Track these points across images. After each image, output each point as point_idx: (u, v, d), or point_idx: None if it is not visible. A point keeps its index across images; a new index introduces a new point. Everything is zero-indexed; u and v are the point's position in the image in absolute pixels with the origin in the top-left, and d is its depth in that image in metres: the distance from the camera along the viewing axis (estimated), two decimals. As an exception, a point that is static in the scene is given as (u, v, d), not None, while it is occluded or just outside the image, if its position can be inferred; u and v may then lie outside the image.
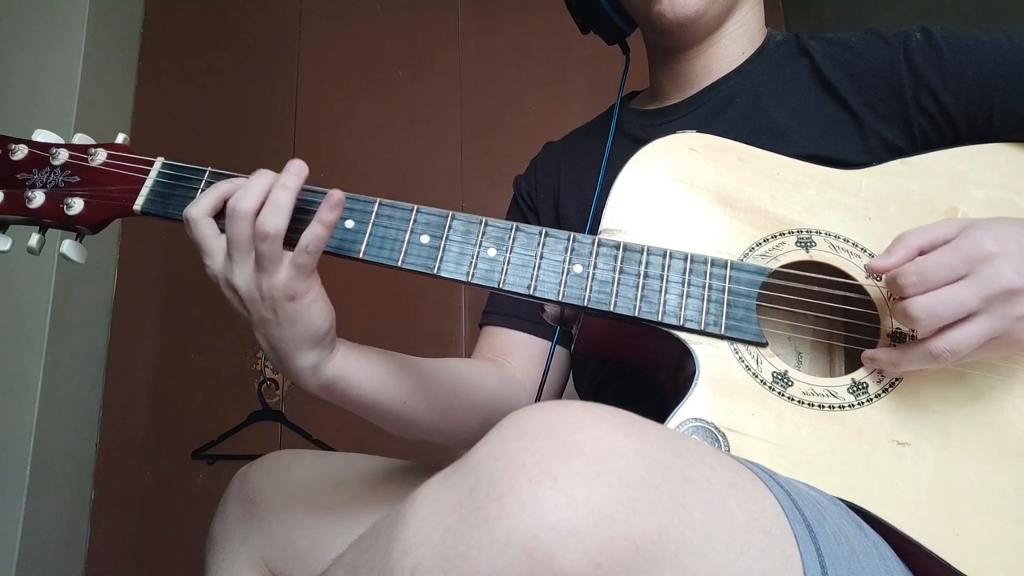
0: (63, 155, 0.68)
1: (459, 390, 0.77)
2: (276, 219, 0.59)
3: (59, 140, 0.70)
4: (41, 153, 0.68)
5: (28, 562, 1.51)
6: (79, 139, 0.70)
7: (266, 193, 0.60)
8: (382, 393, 0.69)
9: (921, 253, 0.57)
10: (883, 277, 0.59)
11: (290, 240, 0.60)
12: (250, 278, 0.61)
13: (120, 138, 0.70)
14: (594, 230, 0.67)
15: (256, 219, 0.59)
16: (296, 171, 0.62)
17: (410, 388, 0.71)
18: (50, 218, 0.67)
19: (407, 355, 0.73)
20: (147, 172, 0.67)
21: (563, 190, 0.90)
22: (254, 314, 0.62)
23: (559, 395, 0.89)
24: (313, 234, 0.60)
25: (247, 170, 0.68)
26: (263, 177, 0.62)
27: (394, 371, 0.70)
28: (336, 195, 0.61)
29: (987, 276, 0.54)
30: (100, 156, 0.68)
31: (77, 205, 0.66)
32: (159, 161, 0.68)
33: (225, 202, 0.62)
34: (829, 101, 0.74)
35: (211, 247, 0.62)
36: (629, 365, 0.75)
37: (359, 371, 0.67)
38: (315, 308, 0.62)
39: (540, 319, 0.83)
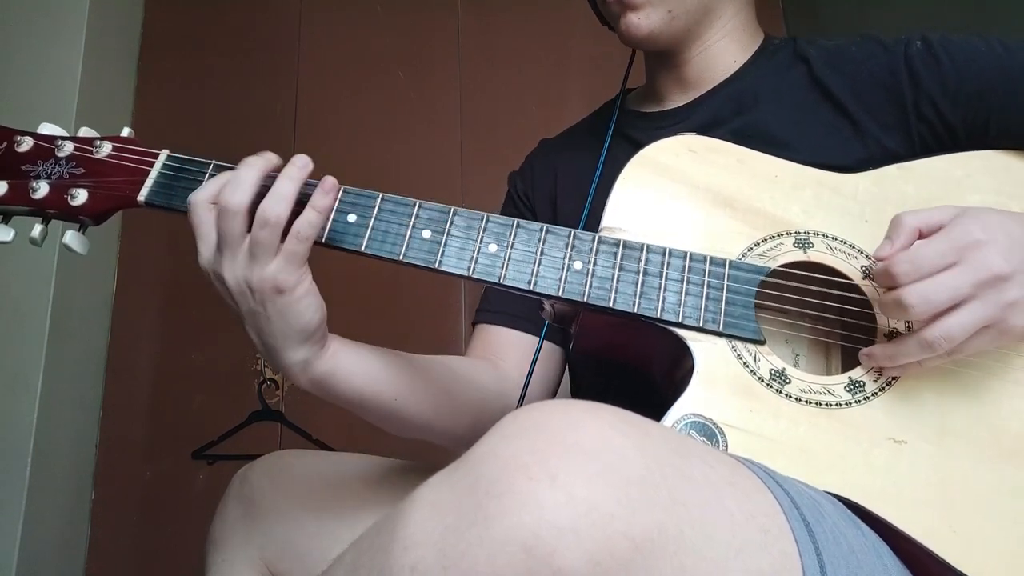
0: (68, 147, 0.68)
1: (451, 388, 0.77)
2: (278, 207, 0.59)
3: (64, 133, 0.69)
4: (46, 145, 0.68)
5: (28, 562, 1.50)
6: (84, 132, 0.69)
7: (256, 185, 0.60)
8: (373, 390, 0.69)
9: (920, 235, 0.58)
10: (874, 270, 0.60)
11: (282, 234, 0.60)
12: (240, 271, 0.60)
13: (125, 131, 0.70)
14: (588, 229, 0.67)
15: (248, 212, 0.60)
16: (301, 164, 0.62)
17: (401, 385, 0.71)
18: (54, 208, 0.66)
19: (399, 351, 0.73)
20: (151, 164, 0.67)
21: (560, 189, 0.90)
22: (243, 307, 0.61)
23: (552, 394, 0.88)
24: (306, 220, 0.60)
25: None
26: (251, 168, 0.61)
27: (386, 368, 0.70)
28: (329, 181, 0.62)
29: (976, 262, 0.55)
30: (105, 148, 0.68)
31: (81, 196, 0.66)
32: (164, 153, 0.68)
33: None
34: (829, 109, 0.74)
35: (207, 234, 0.62)
36: (628, 364, 0.75)
37: (350, 367, 0.67)
38: (304, 302, 0.61)
39: (535, 317, 0.83)
